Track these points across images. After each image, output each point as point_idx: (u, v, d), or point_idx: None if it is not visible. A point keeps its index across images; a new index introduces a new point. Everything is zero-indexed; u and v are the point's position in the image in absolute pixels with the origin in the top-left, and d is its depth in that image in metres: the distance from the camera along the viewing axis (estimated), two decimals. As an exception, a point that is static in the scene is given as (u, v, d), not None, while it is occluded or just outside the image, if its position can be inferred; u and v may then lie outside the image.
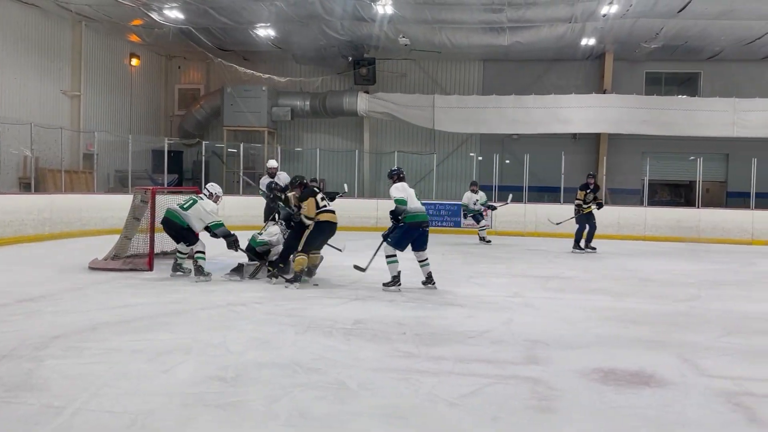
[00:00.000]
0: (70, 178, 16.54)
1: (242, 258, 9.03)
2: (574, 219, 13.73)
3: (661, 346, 5.40)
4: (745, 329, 6.19)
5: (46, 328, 5.48)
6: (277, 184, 10.55)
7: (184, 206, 8.52)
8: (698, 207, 18.12)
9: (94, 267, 9.20)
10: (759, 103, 19.24)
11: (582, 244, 13.50)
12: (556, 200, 18.00)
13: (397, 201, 7.95)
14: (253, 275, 8.64)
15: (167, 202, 9.34)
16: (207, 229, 8.51)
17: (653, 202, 19.82)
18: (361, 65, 21.48)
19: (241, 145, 19.55)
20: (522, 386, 4.19)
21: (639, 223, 17.57)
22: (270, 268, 8.53)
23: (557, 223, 14.96)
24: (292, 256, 8.28)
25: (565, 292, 8.37)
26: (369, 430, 3.48)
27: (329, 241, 8.63)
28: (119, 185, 19.11)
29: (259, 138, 21.23)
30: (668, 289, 8.73)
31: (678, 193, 22.32)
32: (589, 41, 19.38)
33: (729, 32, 17.95)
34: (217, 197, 8.76)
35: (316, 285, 8.16)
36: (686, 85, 22.11)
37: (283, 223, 8.89)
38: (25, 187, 15.24)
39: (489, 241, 15.06)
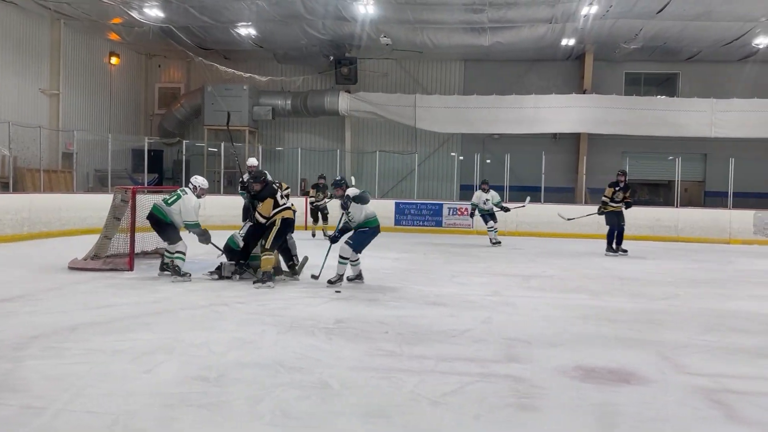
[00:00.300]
0: (49, 178, 16.36)
1: (223, 258, 8.99)
2: (586, 216, 13.46)
3: (640, 344, 5.46)
4: (723, 327, 6.27)
5: (24, 329, 5.42)
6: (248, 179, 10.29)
7: (168, 201, 8.53)
8: (677, 206, 18.36)
9: (74, 267, 9.12)
10: (736, 104, 19.52)
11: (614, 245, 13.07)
12: (537, 200, 18.07)
13: (362, 192, 8.12)
14: (233, 275, 8.60)
15: (148, 201, 9.29)
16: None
17: (633, 202, 19.88)
18: (343, 65, 21.45)
19: (222, 145, 19.42)
20: (504, 384, 4.22)
21: (618, 222, 17.67)
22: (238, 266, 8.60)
23: (569, 219, 14.83)
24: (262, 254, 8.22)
25: (545, 291, 8.43)
26: (352, 429, 3.49)
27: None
28: (99, 185, 18.93)
29: (240, 137, 21.12)
30: (647, 287, 8.81)
31: (657, 193, 22.53)
32: (569, 42, 19.54)
33: (707, 33, 18.20)
34: (202, 190, 8.73)
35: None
36: (665, 85, 22.35)
37: None
38: (3, 186, 15.01)
39: (498, 242, 14.40)
